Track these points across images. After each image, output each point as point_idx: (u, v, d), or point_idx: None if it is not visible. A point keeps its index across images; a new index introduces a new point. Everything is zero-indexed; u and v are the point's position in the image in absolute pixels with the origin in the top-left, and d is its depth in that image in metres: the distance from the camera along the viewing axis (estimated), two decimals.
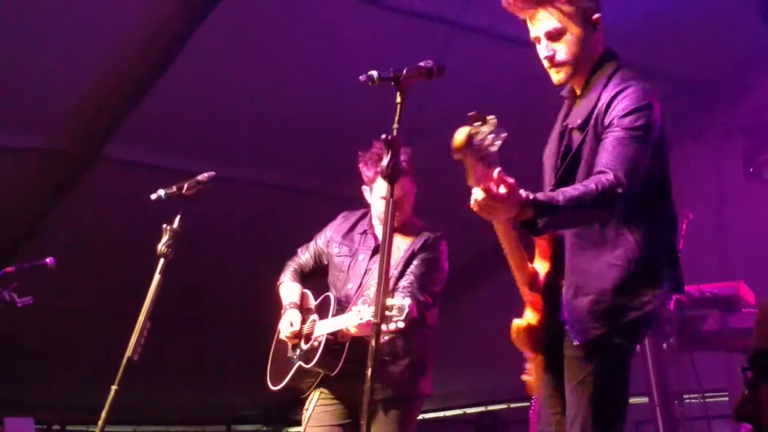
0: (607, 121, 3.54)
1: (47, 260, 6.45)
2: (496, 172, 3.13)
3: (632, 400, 9.58)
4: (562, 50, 3.70)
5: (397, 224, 5.02)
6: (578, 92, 3.76)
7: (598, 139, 3.55)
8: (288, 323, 5.15)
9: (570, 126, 3.71)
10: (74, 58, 7.02)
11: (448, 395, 10.54)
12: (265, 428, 11.77)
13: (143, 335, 4.42)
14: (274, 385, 5.27)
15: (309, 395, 5.18)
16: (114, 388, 4.35)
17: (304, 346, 5.08)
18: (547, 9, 3.66)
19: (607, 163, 3.42)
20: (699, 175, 8.43)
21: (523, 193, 3.23)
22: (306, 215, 8.88)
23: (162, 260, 4.45)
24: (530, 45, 7.93)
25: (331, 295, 5.11)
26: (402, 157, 4.92)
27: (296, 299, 5.27)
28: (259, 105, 7.80)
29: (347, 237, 5.28)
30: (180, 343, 9.39)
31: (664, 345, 6.45)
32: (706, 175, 8.45)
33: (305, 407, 5.20)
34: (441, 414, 10.34)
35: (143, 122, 7.50)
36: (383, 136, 3.44)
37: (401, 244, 5.06)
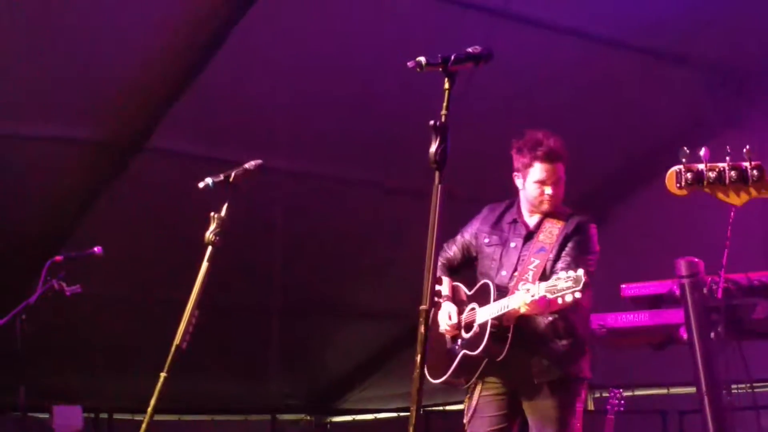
0: None
1: (95, 249, 6.51)
2: None
3: (679, 390, 9.54)
4: None
5: (550, 209, 5.13)
6: None
7: None
8: (446, 315, 5.18)
9: None
10: (120, 50, 7.07)
11: None
12: (308, 417, 11.80)
13: (191, 323, 4.43)
14: (436, 378, 5.27)
15: (471, 386, 5.19)
16: (163, 375, 4.36)
17: (467, 335, 5.09)
18: None
19: None
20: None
21: None
22: (347, 205, 8.94)
23: (210, 248, 4.46)
24: (573, 33, 7.88)
25: (489, 281, 5.12)
26: (558, 143, 5.02)
27: (448, 292, 5.31)
28: (303, 95, 7.82)
29: (496, 227, 5.31)
30: (224, 333, 9.44)
31: (712, 334, 6.38)
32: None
33: (468, 396, 5.22)
34: None
35: (190, 112, 7.54)
36: (431, 123, 3.43)
37: (553, 229, 5.11)
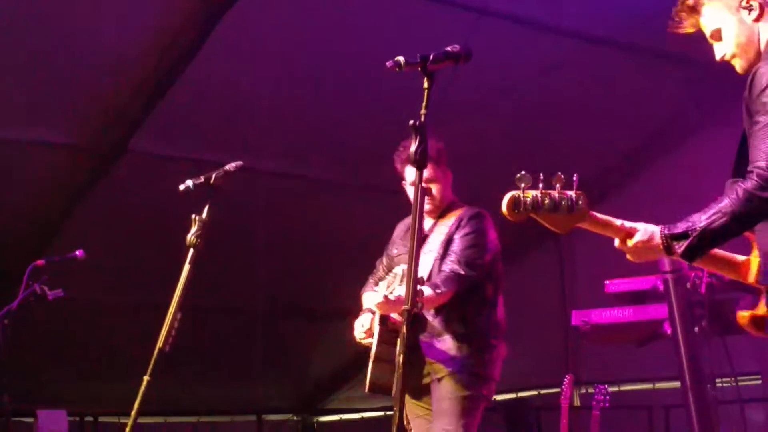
0: (750, 104, 3.44)
1: (77, 253, 6.49)
2: (619, 223, 3.41)
3: (664, 385, 9.57)
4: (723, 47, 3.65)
5: (431, 208, 5.14)
6: None
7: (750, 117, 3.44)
8: (359, 325, 5.21)
9: None
10: (99, 53, 7.05)
11: None
12: (294, 418, 11.78)
13: (174, 326, 4.43)
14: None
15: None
16: (146, 378, 4.36)
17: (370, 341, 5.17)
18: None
19: (751, 159, 3.34)
20: (723, 160, 8.36)
21: (657, 235, 3.34)
22: (329, 205, 8.93)
23: (191, 250, 4.46)
24: (555, 30, 7.88)
25: (378, 288, 5.20)
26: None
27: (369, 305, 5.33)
28: (283, 96, 7.80)
29: (405, 237, 5.35)
30: (208, 335, 9.42)
31: (696, 329, 6.41)
32: (731, 160, 8.40)
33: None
34: None
35: (169, 115, 7.52)
36: (411, 122, 3.42)
37: (443, 229, 5.13)
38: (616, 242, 3.47)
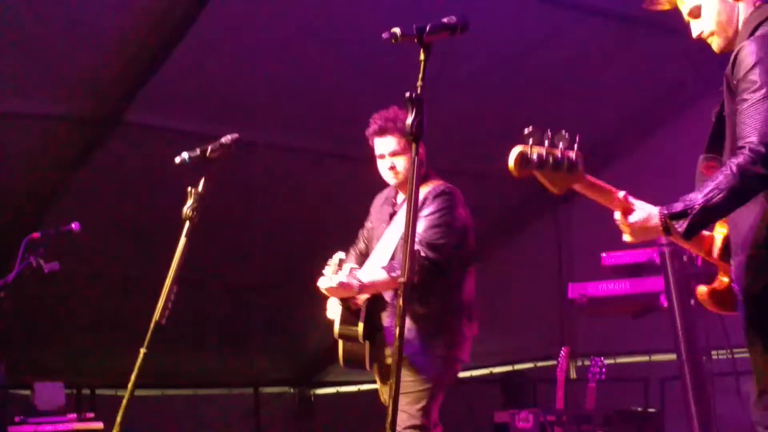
0: (735, 82, 3.44)
1: (72, 225, 6.46)
2: (621, 194, 3.39)
3: (660, 357, 9.59)
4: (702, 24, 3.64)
5: (399, 181, 5.10)
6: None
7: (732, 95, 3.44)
8: (331, 305, 5.21)
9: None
10: (94, 24, 7.01)
11: (474, 355, 10.49)
12: (291, 390, 11.82)
13: (170, 299, 4.42)
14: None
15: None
16: (143, 351, 4.36)
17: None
18: None
19: (741, 135, 3.32)
20: None
21: (655, 216, 3.34)
22: (326, 178, 8.91)
23: (187, 223, 4.45)
24: (552, 1, 7.82)
25: (347, 265, 5.16)
26: (386, 117, 5.00)
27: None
28: (281, 68, 7.78)
29: (380, 210, 5.35)
30: (204, 307, 9.43)
31: (692, 301, 6.43)
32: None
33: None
34: (468, 374, 10.34)
35: (165, 86, 7.49)
36: (407, 94, 3.41)
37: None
38: (617, 215, 3.45)
